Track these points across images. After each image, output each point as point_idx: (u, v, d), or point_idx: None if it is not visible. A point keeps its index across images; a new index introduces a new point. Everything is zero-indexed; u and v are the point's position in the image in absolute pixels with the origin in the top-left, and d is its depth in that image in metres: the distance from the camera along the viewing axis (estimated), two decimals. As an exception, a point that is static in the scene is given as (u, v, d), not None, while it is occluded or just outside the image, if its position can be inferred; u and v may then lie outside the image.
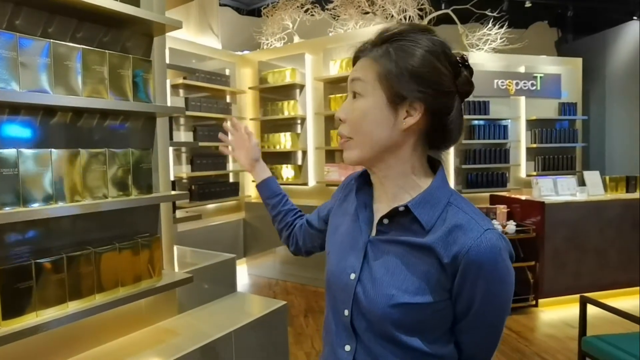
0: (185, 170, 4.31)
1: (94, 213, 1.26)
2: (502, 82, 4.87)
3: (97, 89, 1.22)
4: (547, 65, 5.20)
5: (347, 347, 0.72)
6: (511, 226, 3.44)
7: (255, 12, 6.78)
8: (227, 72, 4.77)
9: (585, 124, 5.81)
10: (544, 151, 5.08)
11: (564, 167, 5.09)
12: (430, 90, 0.66)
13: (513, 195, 3.94)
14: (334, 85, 4.46)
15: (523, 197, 3.76)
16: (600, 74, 6.28)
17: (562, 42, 7.45)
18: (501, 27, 4.84)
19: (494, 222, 3.41)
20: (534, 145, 4.99)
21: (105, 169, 1.25)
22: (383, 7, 4.64)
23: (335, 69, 4.36)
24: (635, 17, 6.14)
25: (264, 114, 4.91)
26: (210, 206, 4.54)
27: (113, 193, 1.28)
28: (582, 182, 3.85)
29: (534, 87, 4.97)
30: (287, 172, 4.82)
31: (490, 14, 4.92)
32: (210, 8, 4.97)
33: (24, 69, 1.06)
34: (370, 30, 4.10)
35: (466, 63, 0.69)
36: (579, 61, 5.36)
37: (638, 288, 3.50)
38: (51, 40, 1.11)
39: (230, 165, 4.87)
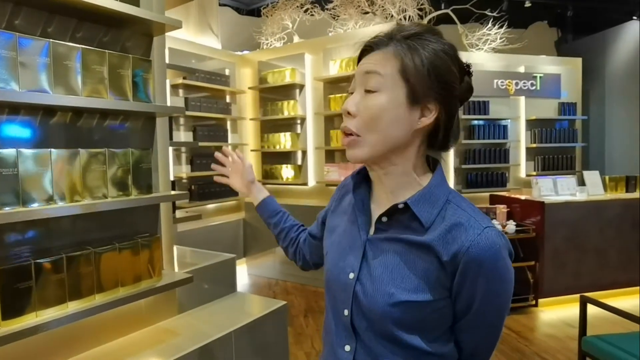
0: (185, 170, 4.31)
1: (93, 213, 1.26)
2: (501, 82, 4.87)
3: (96, 89, 1.22)
4: (547, 65, 5.20)
5: (347, 347, 0.72)
6: (511, 226, 3.44)
7: (255, 12, 6.78)
8: (227, 72, 4.77)
9: (585, 124, 5.81)
10: (543, 151, 5.08)
11: (564, 167, 5.09)
12: (445, 92, 0.67)
13: (513, 195, 3.94)
14: (334, 85, 4.46)
15: (523, 197, 3.76)
16: (600, 74, 6.29)
17: (561, 42, 7.45)
18: (501, 27, 4.84)
19: (494, 222, 3.41)
20: (534, 145, 4.99)
21: (105, 169, 1.25)
22: (383, 7, 4.64)
23: (335, 69, 4.35)
24: (634, 17, 6.14)
25: (263, 114, 4.91)
26: (210, 206, 4.54)
27: (113, 193, 1.28)
28: (581, 182, 3.85)
29: (534, 87, 4.97)
30: (286, 172, 4.82)
31: (489, 13, 4.92)
32: (210, 8, 4.97)
33: (23, 68, 1.06)
34: (370, 30, 4.11)
35: (470, 69, 0.70)
36: (578, 61, 5.36)
37: (638, 288, 3.50)
38: (51, 40, 1.11)
39: (230, 165, 4.86)
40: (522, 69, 5.00)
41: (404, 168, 0.70)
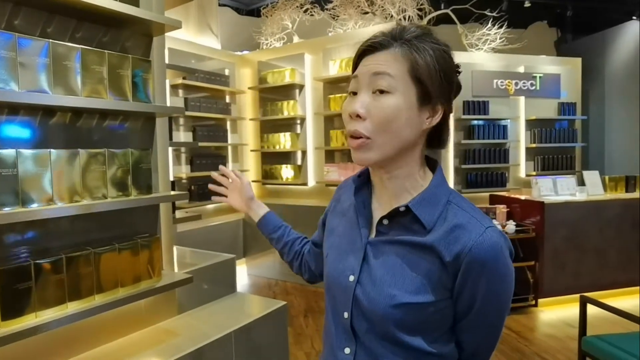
0: (184, 171, 4.31)
1: (93, 213, 1.25)
2: (501, 82, 4.87)
3: (96, 89, 1.21)
4: (547, 65, 5.20)
5: (347, 350, 0.72)
6: (511, 226, 3.44)
7: (255, 12, 6.78)
8: (227, 72, 4.77)
9: (585, 124, 5.81)
10: (543, 151, 5.08)
11: (564, 167, 5.10)
12: (448, 92, 0.68)
13: (512, 195, 3.94)
14: (334, 85, 4.46)
15: (522, 197, 3.76)
16: (600, 74, 6.29)
17: (561, 42, 7.45)
18: (500, 27, 4.85)
19: (494, 222, 3.41)
20: (534, 145, 4.99)
21: (104, 169, 1.25)
22: (382, 7, 4.64)
23: (334, 69, 4.35)
24: (634, 17, 6.15)
25: (263, 114, 4.91)
26: (210, 206, 4.54)
27: (112, 193, 1.27)
28: (581, 182, 3.85)
29: (534, 87, 4.97)
30: (286, 172, 4.82)
31: (489, 14, 4.92)
32: (210, 8, 4.97)
33: (23, 69, 1.06)
34: (369, 30, 4.10)
35: (460, 69, 0.71)
36: (578, 61, 5.37)
37: (638, 288, 3.50)
38: (50, 40, 1.11)
39: (230, 166, 4.87)
40: (521, 69, 5.00)
41: (409, 169, 0.70)
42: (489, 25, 4.89)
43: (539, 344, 2.87)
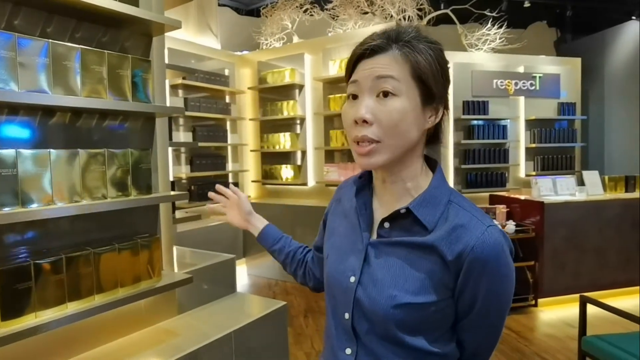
0: (184, 171, 4.30)
1: (93, 213, 1.25)
2: (501, 82, 4.87)
3: (96, 89, 1.21)
4: (546, 65, 5.21)
5: (348, 350, 0.72)
6: (510, 226, 3.44)
7: (254, 12, 6.78)
8: (227, 72, 4.77)
9: (584, 124, 5.82)
10: (543, 151, 5.09)
11: (563, 167, 5.10)
12: (446, 90, 0.69)
13: (512, 195, 3.94)
14: (334, 85, 4.46)
15: (522, 197, 3.76)
16: (599, 74, 6.29)
17: (561, 42, 7.46)
18: (500, 27, 4.85)
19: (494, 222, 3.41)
20: (533, 145, 5.00)
21: (104, 170, 1.25)
22: (382, 7, 4.64)
23: (334, 69, 4.36)
24: (634, 17, 6.15)
25: (263, 114, 4.91)
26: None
27: (112, 193, 1.27)
28: (581, 182, 3.85)
29: (533, 87, 4.97)
30: (286, 172, 4.82)
31: (489, 14, 4.93)
32: (209, 8, 4.96)
33: (22, 69, 1.06)
34: (369, 30, 4.11)
35: (449, 65, 0.73)
36: (578, 61, 5.37)
37: (637, 288, 3.51)
38: (50, 40, 1.11)
39: (230, 166, 4.87)
40: (521, 69, 5.00)
41: (412, 170, 0.71)
42: (489, 25, 4.89)
43: (539, 344, 2.87)
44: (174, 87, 4.20)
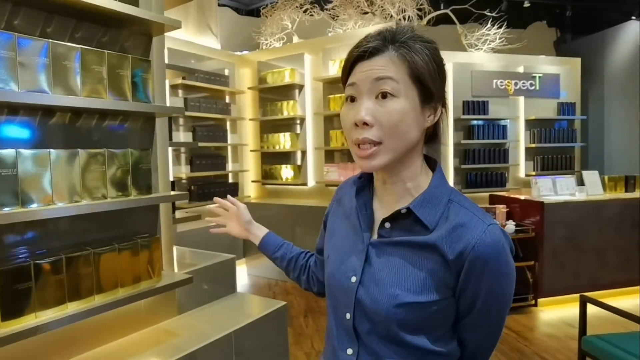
0: (184, 171, 4.30)
1: (93, 214, 1.25)
2: (501, 82, 4.87)
3: (96, 89, 1.21)
4: (546, 65, 5.21)
5: (349, 351, 0.72)
6: (510, 226, 3.44)
7: (254, 12, 6.77)
8: (226, 72, 4.77)
9: (584, 124, 5.82)
10: (542, 151, 5.09)
11: (563, 167, 5.10)
12: (444, 88, 0.70)
13: (512, 195, 3.94)
14: (333, 85, 4.46)
15: (522, 197, 3.76)
16: (599, 74, 6.29)
17: (560, 42, 7.46)
18: (500, 27, 4.85)
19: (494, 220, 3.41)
20: (533, 145, 5.00)
21: (104, 170, 1.25)
22: (382, 7, 4.64)
23: (334, 69, 4.35)
24: (633, 17, 6.15)
25: (263, 114, 4.91)
26: (210, 206, 4.53)
27: (112, 193, 1.27)
28: (581, 182, 3.86)
29: (533, 87, 4.98)
30: (286, 172, 4.82)
31: (489, 14, 4.93)
32: (209, 8, 4.96)
33: (22, 69, 1.05)
34: (369, 30, 4.10)
35: (444, 62, 0.74)
36: (577, 61, 5.37)
37: (637, 287, 3.51)
38: (50, 40, 1.11)
39: (230, 166, 4.87)
40: (521, 69, 5.01)
41: (413, 169, 0.71)
42: (489, 25, 4.89)
43: (539, 344, 2.87)
44: (174, 87, 4.20)
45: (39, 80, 1.09)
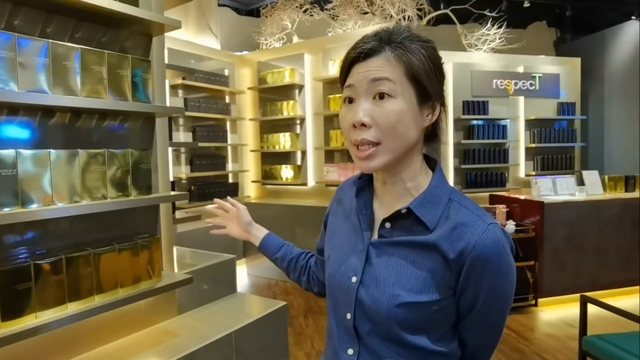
0: (184, 171, 4.30)
1: (93, 214, 1.25)
2: (501, 82, 4.87)
3: (95, 89, 1.21)
4: (546, 65, 5.21)
5: (350, 351, 0.72)
6: (510, 226, 3.44)
7: (254, 12, 6.77)
8: (226, 72, 4.77)
9: (584, 124, 5.82)
10: (542, 151, 5.09)
11: (563, 167, 5.10)
12: (442, 88, 0.70)
13: (512, 195, 3.94)
14: (333, 85, 4.45)
15: (522, 197, 3.76)
16: (599, 74, 6.29)
17: (560, 42, 7.46)
18: (500, 27, 4.85)
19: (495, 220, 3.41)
20: (533, 145, 5.00)
21: (104, 170, 1.25)
22: (382, 7, 4.64)
23: (334, 69, 4.35)
24: (633, 17, 6.15)
25: (263, 114, 4.91)
26: (209, 207, 4.53)
27: (112, 194, 1.27)
28: (581, 182, 3.85)
29: (533, 87, 4.98)
30: (286, 172, 4.82)
31: (488, 14, 4.93)
32: (209, 8, 4.96)
33: (22, 69, 1.05)
34: (369, 30, 4.10)
35: (443, 61, 0.73)
36: (577, 61, 5.37)
37: (637, 287, 3.51)
38: (50, 40, 1.11)
39: (230, 166, 4.86)
40: (521, 69, 5.01)
41: (413, 169, 0.71)
42: (489, 25, 4.89)
43: (539, 344, 2.87)
44: (174, 87, 4.20)
45: (39, 80, 1.09)
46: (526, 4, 6.53)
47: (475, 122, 4.80)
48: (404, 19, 4.58)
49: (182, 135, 4.31)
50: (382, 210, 0.74)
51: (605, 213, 3.58)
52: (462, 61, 4.81)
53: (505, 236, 0.66)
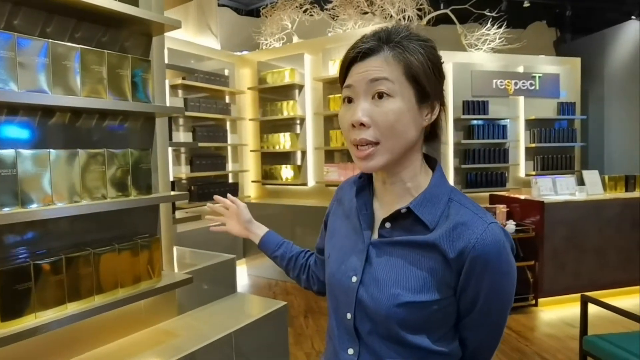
0: (184, 171, 4.30)
1: (92, 214, 1.25)
2: (501, 82, 4.87)
3: (95, 89, 1.21)
4: (546, 65, 5.21)
5: (350, 351, 0.72)
6: (511, 226, 3.44)
7: (254, 12, 6.77)
8: (226, 72, 4.76)
9: (584, 124, 5.82)
10: (542, 151, 5.09)
11: (563, 167, 5.10)
12: (442, 87, 0.69)
13: (512, 195, 3.94)
14: (333, 85, 4.45)
15: (522, 197, 3.76)
16: (599, 74, 6.29)
17: (560, 42, 7.46)
18: (500, 27, 4.85)
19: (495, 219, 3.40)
20: (533, 145, 5.00)
21: (104, 170, 1.24)
22: (382, 7, 4.64)
23: (334, 69, 4.35)
24: (633, 17, 6.15)
25: (263, 114, 4.91)
26: (208, 205, 4.52)
27: (112, 194, 1.27)
28: (581, 182, 3.85)
29: (533, 87, 4.98)
30: (286, 172, 4.82)
31: (488, 14, 4.93)
32: (209, 8, 4.96)
33: (22, 69, 1.05)
34: (369, 30, 4.10)
35: (443, 61, 0.73)
36: (577, 61, 5.37)
37: (637, 287, 3.50)
38: (50, 40, 1.10)
39: (230, 166, 4.86)
40: (521, 69, 5.01)
41: (412, 169, 0.71)
42: (488, 25, 4.89)
43: (539, 344, 2.87)
44: (173, 87, 4.20)
45: (39, 80, 1.09)
46: (526, 4, 6.53)
47: (475, 122, 4.80)
48: (404, 19, 4.58)
49: (182, 135, 4.31)
50: (382, 210, 0.74)
51: (605, 213, 3.58)
52: (462, 61, 4.81)
53: (505, 235, 0.66)
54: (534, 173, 4.96)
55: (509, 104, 4.93)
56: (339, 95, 4.33)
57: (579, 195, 3.68)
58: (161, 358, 1.32)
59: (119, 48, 1.40)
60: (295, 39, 5.11)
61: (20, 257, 1.13)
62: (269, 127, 4.97)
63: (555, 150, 5.11)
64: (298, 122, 4.74)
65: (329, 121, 4.54)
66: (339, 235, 0.80)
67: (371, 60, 0.66)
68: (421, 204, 0.68)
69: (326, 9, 4.99)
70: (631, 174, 3.94)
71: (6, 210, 1.04)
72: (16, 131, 1.15)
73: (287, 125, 4.82)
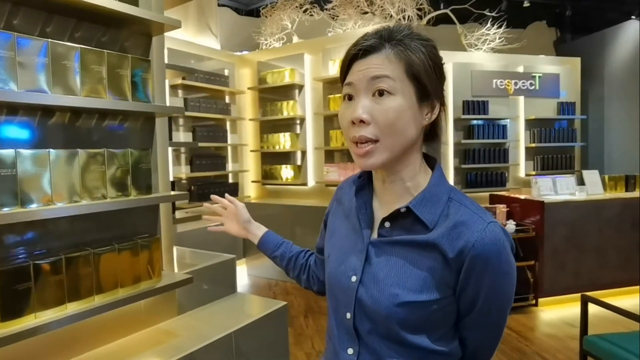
0: (184, 171, 4.30)
1: (92, 214, 1.25)
2: (500, 81, 4.87)
3: (95, 89, 1.21)
4: (546, 65, 5.21)
5: (350, 351, 0.72)
6: (511, 226, 3.44)
7: (254, 13, 6.77)
8: (226, 72, 4.76)
9: (584, 124, 5.82)
10: (542, 151, 5.09)
11: (563, 167, 5.10)
12: (442, 87, 0.69)
13: (512, 195, 3.94)
14: (333, 85, 4.45)
15: (522, 197, 3.76)
16: (599, 74, 6.29)
17: (560, 42, 7.46)
18: (500, 27, 4.85)
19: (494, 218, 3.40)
20: (533, 145, 5.00)
21: (104, 170, 1.24)
22: (382, 7, 4.64)
23: (334, 69, 4.35)
24: (633, 17, 6.15)
25: (263, 114, 4.91)
26: (205, 205, 4.52)
27: (112, 194, 1.27)
28: (581, 182, 3.85)
29: (533, 87, 4.98)
30: (286, 172, 4.82)
31: (488, 14, 4.93)
32: (209, 8, 4.96)
33: (22, 68, 1.05)
34: (369, 30, 4.09)
35: (444, 61, 0.73)
36: (577, 61, 5.37)
37: (638, 287, 3.50)
38: (49, 40, 1.10)
39: (230, 166, 4.86)
40: (521, 69, 5.01)
41: (412, 168, 0.71)
42: (488, 25, 4.89)
43: (539, 344, 2.86)
44: (173, 87, 4.20)
45: (39, 80, 1.09)
46: (526, 4, 6.53)
47: (475, 121, 4.80)
48: (404, 18, 4.58)
49: (182, 135, 4.31)
50: (381, 209, 0.74)
51: (605, 213, 3.58)
52: (462, 61, 4.81)
53: (505, 235, 0.66)
54: (534, 173, 4.96)
55: (509, 104, 4.93)
56: (339, 95, 4.32)
57: (579, 195, 3.68)
58: (161, 358, 1.32)
59: (119, 48, 1.39)
60: (295, 39, 5.11)
61: (20, 257, 1.12)
62: (269, 127, 4.97)
63: (555, 150, 5.11)
64: (298, 122, 4.74)
65: (329, 121, 4.54)
66: (338, 235, 0.80)
67: (372, 58, 0.66)
68: (421, 203, 0.68)
69: (326, 9, 4.99)
70: (631, 173, 3.94)
71: (6, 210, 1.04)
72: (16, 131, 1.15)
73: (287, 125, 4.82)
